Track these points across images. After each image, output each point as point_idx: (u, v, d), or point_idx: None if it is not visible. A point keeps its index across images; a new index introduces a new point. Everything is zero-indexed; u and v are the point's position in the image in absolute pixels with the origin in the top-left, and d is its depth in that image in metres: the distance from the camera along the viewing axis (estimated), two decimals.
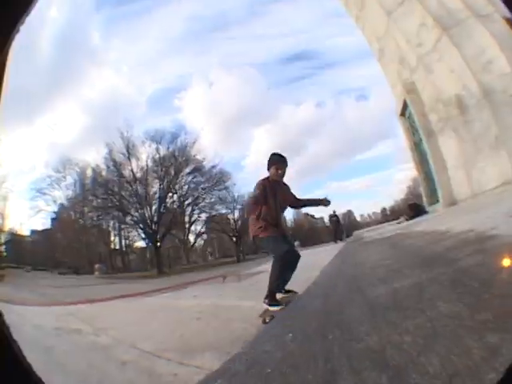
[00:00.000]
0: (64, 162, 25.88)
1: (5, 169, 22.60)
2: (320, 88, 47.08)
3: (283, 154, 3.10)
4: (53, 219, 26.95)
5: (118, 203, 24.10)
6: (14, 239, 25.56)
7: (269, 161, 3.06)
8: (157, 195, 24.49)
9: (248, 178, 48.30)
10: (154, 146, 24.95)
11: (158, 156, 25.05)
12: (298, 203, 3.27)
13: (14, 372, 0.61)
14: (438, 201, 8.36)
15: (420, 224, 6.56)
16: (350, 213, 34.12)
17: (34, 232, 27.30)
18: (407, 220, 10.97)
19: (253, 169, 43.70)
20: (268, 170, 3.08)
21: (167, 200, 24.77)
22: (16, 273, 18.53)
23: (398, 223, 13.37)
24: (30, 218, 26.29)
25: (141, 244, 28.19)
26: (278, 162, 3.02)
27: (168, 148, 25.29)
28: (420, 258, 2.74)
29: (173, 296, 5.74)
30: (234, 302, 3.81)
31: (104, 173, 25.22)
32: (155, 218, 23.69)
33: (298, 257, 2.95)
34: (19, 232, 26.03)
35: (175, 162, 25.15)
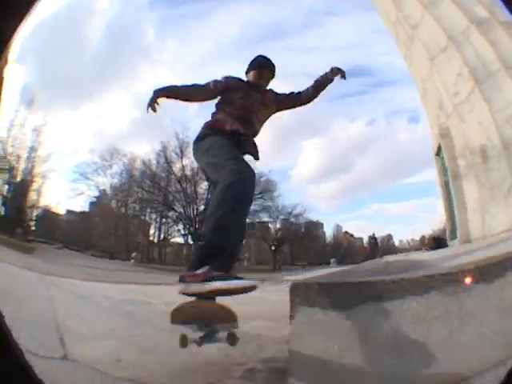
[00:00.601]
0: (111, 152, 27.24)
1: (48, 149, 25.09)
2: (372, 106, 45.73)
3: (270, 59, 2.45)
4: (91, 203, 28.42)
5: (163, 198, 26.00)
6: (48, 216, 26.92)
7: (250, 63, 2.44)
8: (205, 196, 24.95)
9: (294, 188, 48.68)
10: None
11: None
12: (307, 94, 2.57)
13: (15, 374, 0.65)
14: (456, 237, 8.88)
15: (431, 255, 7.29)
16: (389, 237, 32.90)
17: (69, 212, 28.70)
18: (427, 250, 11.54)
19: (299, 180, 44.13)
20: (246, 74, 2.49)
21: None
22: (46, 248, 19.57)
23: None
24: (68, 198, 28.13)
25: (179, 240, 29.24)
26: (260, 66, 2.40)
27: None
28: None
29: None
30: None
31: (153, 167, 27.12)
32: (199, 217, 24.82)
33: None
34: (54, 210, 27.41)
35: None
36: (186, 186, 26.23)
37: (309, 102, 2.58)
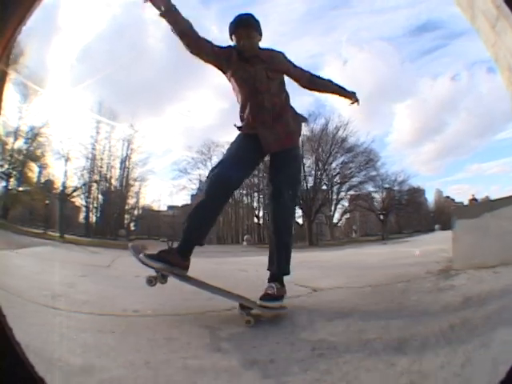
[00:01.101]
0: (208, 145, 28.51)
1: (142, 154, 28.08)
2: (449, 60, 42.14)
3: (246, 15, 2.12)
4: (193, 195, 29.55)
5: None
6: (149, 214, 29.64)
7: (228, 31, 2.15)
8: (313, 172, 26.47)
9: (393, 155, 47.64)
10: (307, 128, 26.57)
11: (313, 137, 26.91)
12: (312, 81, 2.35)
13: (17, 373, 0.65)
14: None
15: None
16: (487, 199, 31.05)
17: (171, 207, 30.85)
18: None
19: (397, 146, 42.50)
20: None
21: (322, 178, 26.88)
22: (154, 243, 20.57)
23: None
24: (171, 195, 31.15)
25: None
26: (233, 28, 2.09)
27: (322, 130, 26.89)
28: None
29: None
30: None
31: None
32: (311, 195, 25.85)
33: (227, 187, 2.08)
34: (155, 208, 30.00)
35: (330, 142, 26.81)
36: None
37: (305, 87, 2.40)
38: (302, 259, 5.32)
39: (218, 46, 2.14)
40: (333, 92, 2.44)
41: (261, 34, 2.15)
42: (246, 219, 30.50)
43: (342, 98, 2.49)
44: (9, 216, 25.38)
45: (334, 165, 27.02)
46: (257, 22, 2.10)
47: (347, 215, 30.38)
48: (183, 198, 32.94)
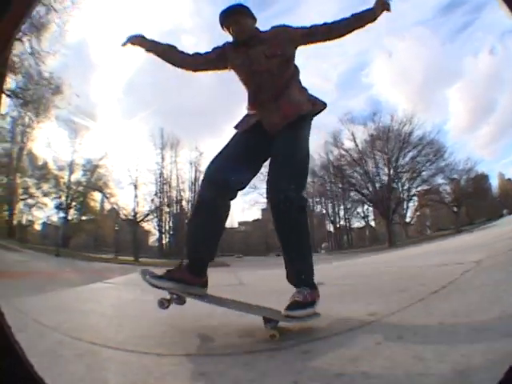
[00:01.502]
0: None
1: None
2: (484, 33, 41.73)
3: (231, 6, 1.96)
4: (263, 210, 31.01)
5: (345, 183, 28.03)
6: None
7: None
8: (385, 171, 26.80)
9: (458, 142, 45.86)
10: (372, 127, 27.76)
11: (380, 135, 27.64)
12: (333, 29, 2.00)
13: (16, 372, 0.64)
14: None
15: None
16: None
17: (243, 223, 32.48)
18: None
19: (457, 133, 41.83)
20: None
21: (395, 176, 27.07)
22: (230, 260, 22.23)
23: None
24: (243, 211, 31.64)
25: (359, 223, 31.04)
26: (221, 19, 1.97)
27: (388, 128, 27.50)
28: None
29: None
30: None
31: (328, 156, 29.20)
32: (386, 195, 26.02)
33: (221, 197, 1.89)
34: (227, 225, 29.64)
35: (398, 139, 27.16)
36: (365, 167, 27.68)
37: (338, 37, 2.04)
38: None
39: (210, 51, 2.09)
40: (367, 22, 2.02)
41: (253, 18, 2.01)
42: (320, 227, 30.63)
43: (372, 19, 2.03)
44: (70, 244, 26.90)
45: (404, 161, 27.19)
46: (243, 7, 1.97)
47: (418, 212, 29.93)
48: (254, 213, 34.84)
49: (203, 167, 30.31)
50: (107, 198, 29.30)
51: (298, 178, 1.80)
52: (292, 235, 1.75)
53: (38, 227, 31.59)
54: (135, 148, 35.89)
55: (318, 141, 28.15)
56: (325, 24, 1.99)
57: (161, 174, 30.16)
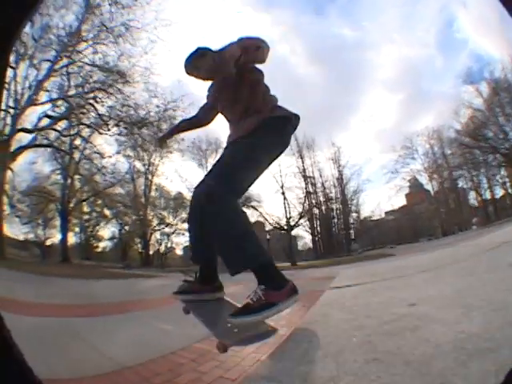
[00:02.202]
0: (410, 138, 28.42)
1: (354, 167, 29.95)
2: None
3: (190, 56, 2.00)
4: (406, 195, 29.89)
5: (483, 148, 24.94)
6: (372, 224, 30.54)
7: None
8: None
9: None
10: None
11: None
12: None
13: (15, 375, 0.64)
14: None
15: None
16: None
17: (389, 213, 30.94)
18: None
19: None
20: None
21: None
22: (385, 251, 21.46)
23: None
24: (389, 199, 34.19)
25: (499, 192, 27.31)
26: (185, 71, 2.06)
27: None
28: None
29: None
30: None
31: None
32: None
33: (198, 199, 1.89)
34: (376, 217, 30.78)
35: None
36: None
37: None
38: None
39: (207, 99, 2.24)
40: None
41: (209, 53, 2.00)
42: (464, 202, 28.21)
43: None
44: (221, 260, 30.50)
45: None
46: (196, 53, 1.99)
47: None
48: (399, 201, 33.70)
49: (343, 161, 30.82)
50: (256, 209, 30.09)
51: (220, 178, 1.75)
52: (214, 225, 1.69)
53: (179, 252, 35.26)
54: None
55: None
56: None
57: (304, 176, 30.42)
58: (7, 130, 17.37)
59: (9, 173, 18.81)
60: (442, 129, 27.32)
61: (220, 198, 1.66)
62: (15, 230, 26.27)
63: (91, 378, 1.73)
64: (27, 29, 16.34)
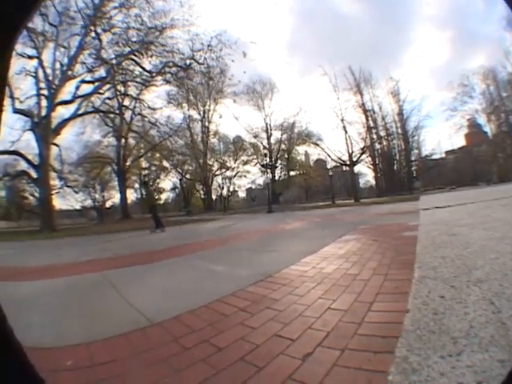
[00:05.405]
0: (467, 75, 27.95)
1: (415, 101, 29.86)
2: None
3: None
4: (466, 135, 29.27)
5: None
6: (433, 163, 30.40)
7: None
8: None
9: None
10: None
11: None
12: None
13: (18, 374, 0.61)
14: None
15: None
16: None
17: (450, 152, 30.94)
18: None
19: None
20: None
21: None
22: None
23: None
24: (450, 137, 35.73)
25: None
26: None
27: None
28: None
29: None
30: None
31: None
32: None
33: None
34: (437, 156, 30.63)
35: None
36: None
37: None
38: None
39: None
40: None
41: None
42: None
43: None
44: (282, 199, 30.82)
45: None
46: None
47: None
48: (459, 140, 33.11)
49: (403, 95, 30.80)
50: (316, 145, 30.89)
51: None
52: None
53: (241, 194, 36.57)
54: (327, 94, 36.65)
55: None
56: None
57: (364, 110, 30.06)
58: (44, 110, 18.40)
59: (55, 149, 20.42)
60: (496, 69, 25.94)
61: None
62: (70, 202, 29.09)
63: (107, 341, 1.63)
64: (39, 21, 16.64)
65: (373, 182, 32.64)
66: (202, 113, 31.74)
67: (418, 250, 2.42)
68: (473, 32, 33.10)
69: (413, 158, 30.54)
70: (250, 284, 2.53)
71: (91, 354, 1.49)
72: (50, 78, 18.84)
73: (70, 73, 19.20)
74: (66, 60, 19.18)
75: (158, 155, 30.31)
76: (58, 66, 19.09)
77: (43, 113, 18.31)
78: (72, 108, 20.16)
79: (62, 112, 19.76)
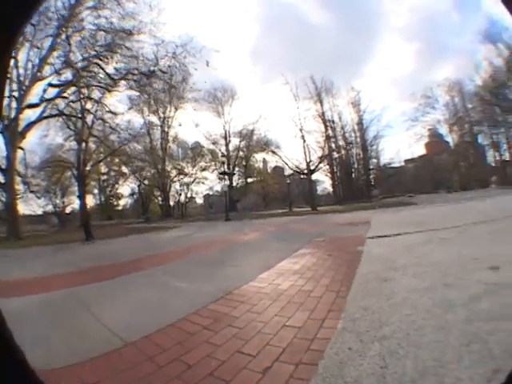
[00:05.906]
0: (431, 87, 28.28)
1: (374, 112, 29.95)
2: None
3: None
4: (426, 144, 29.90)
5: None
6: (392, 171, 30.92)
7: None
8: None
9: None
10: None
11: None
12: None
13: (17, 376, 0.63)
14: None
15: None
16: None
17: (409, 160, 31.38)
18: None
19: None
20: None
21: None
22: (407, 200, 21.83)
23: None
24: (410, 147, 36.64)
25: None
26: None
27: None
28: None
29: None
30: None
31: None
32: None
33: None
34: (396, 165, 31.06)
35: None
36: None
37: None
38: None
39: None
40: None
41: None
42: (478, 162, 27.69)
43: None
44: (239, 206, 30.26)
45: None
46: None
47: None
48: (419, 150, 33.95)
49: (364, 106, 30.77)
50: (274, 153, 30.73)
51: None
52: None
53: (199, 201, 35.67)
54: (287, 103, 35.26)
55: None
56: None
57: (323, 119, 30.27)
58: (13, 112, 17.61)
59: (20, 152, 19.32)
60: (463, 82, 26.83)
61: None
62: (32, 207, 27.32)
63: (90, 362, 1.76)
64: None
65: (330, 189, 33.30)
66: (162, 119, 31.26)
67: (348, 298, 2.49)
68: (443, 44, 34.54)
69: (371, 167, 31.59)
70: (211, 302, 2.77)
71: (79, 376, 1.64)
72: (22, 78, 18.14)
73: (39, 74, 18.55)
74: (37, 61, 18.61)
75: (117, 160, 29.52)
76: (29, 66, 18.46)
77: (13, 115, 17.33)
78: (38, 110, 19.25)
79: (29, 114, 18.82)
